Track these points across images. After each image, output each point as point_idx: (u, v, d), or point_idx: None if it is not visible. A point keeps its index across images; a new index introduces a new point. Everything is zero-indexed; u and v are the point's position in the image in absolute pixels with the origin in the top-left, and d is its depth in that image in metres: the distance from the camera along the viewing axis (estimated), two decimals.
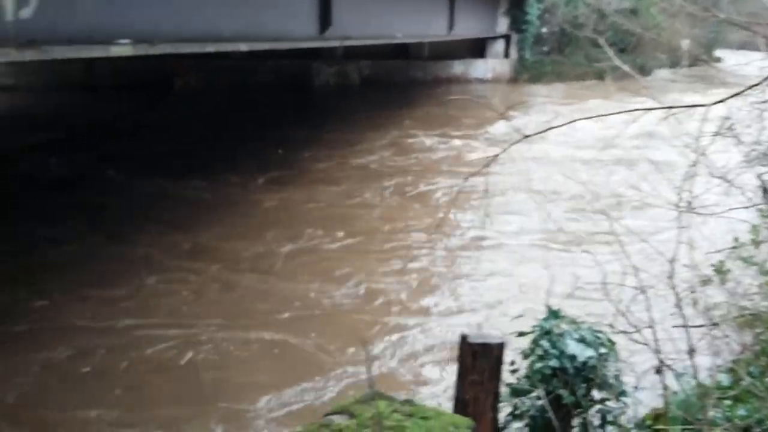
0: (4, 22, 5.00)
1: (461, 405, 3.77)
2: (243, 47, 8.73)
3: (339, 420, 3.20)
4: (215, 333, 7.00)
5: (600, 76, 24.03)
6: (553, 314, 3.79)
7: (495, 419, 3.83)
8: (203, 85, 24.44)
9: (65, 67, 22.52)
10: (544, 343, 3.66)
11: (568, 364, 3.59)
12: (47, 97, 22.46)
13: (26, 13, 5.14)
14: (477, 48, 27.93)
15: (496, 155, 2.83)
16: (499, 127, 16.10)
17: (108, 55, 6.23)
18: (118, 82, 23.43)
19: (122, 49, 6.11)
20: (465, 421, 3.30)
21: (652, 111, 2.96)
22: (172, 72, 24.13)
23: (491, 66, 28.12)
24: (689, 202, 3.21)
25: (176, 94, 24.10)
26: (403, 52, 26.66)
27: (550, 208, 9.63)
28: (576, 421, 3.80)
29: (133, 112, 20.24)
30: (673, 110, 2.96)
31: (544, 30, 29.49)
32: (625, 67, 3.14)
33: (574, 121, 3.08)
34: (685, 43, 29.81)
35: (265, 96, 22.70)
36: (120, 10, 6.29)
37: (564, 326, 3.70)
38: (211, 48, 7.99)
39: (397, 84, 25.56)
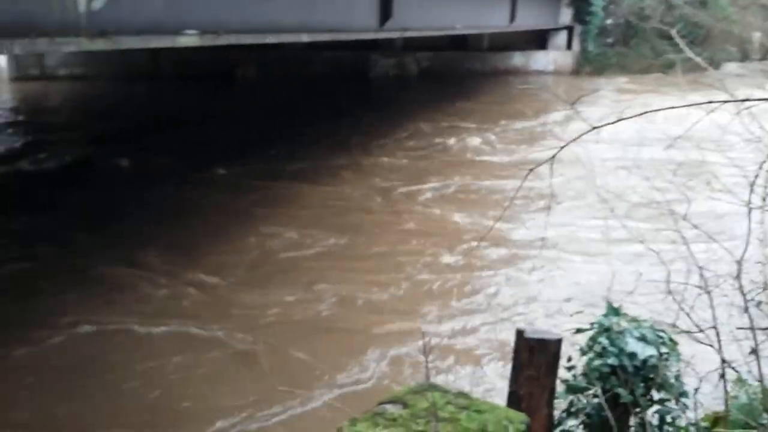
0: (77, 13, 5.17)
1: (515, 400, 3.74)
2: (304, 38, 8.82)
3: (392, 409, 3.21)
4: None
5: (666, 69, 23.31)
6: (613, 311, 3.72)
7: (550, 415, 3.78)
8: (263, 76, 24.83)
9: (132, 58, 23.19)
10: (603, 341, 3.59)
11: (627, 362, 3.52)
12: (117, 87, 23.15)
13: (97, 4, 5.30)
14: (538, 39, 27.49)
15: (562, 147, 2.77)
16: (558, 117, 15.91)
17: (175, 45, 6.37)
18: (181, 73, 24.00)
19: (189, 39, 6.25)
20: (519, 416, 3.26)
21: (725, 104, 2.85)
22: (233, 63, 24.58)
23: (552, 58, 27.65)
24: (764, 199, 3.09)
25: (238, 84, 24.56)
26: (462, 43, 26.47)
27: (611, 203, 9.37)
28: (633, 421, 3.72)
29: (200, 103, 20.67)
30: (747, 104, 2.85)
31: (608, 21, 28.78)
32: (698, 60, 3.03)
33: (646, 113, 2.99)
34: (757, 36, 28.69)
35: (323, 87, 22.93)
36: (186, 1, 6.43)
37: (624, 324, 3.62)
38: (273, 39, 8.10)
39: (455, 76, 25.39)
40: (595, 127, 2.73)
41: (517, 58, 27.54)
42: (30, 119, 19.35)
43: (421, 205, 11.24)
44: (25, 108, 21.16)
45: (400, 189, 12.05)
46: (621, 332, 3.59)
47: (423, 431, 3.00)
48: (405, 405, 3.24)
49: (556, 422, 3.86)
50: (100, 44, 5.28)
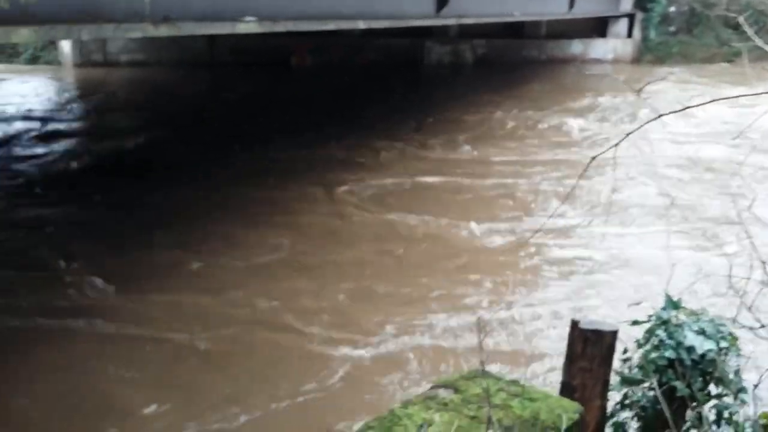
0: (142, 1, 5.32)
1: (568, 390, 3.72)
2: (361, 25, 8.86)
3: (444, 394, 3.24)
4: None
5: (730, 59, 22.53)
6: (672, 304, 3.65)
7: (603, 407, 3.75)
8: (319, 63, 24.98)
9: (190, 45, 23.69)
10: (661, 333, 3.53)
11: (685, 356, 3.46)
12: (175, 73, 23.58)
13: None
14: (597, 27, 26.88)
15: (628, 134, 2.73)
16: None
17: (235, 31, 6.48)
18: (238, 60, 24.36)
19: (248, 26, 6.35)
20: (573, 406, 3.25)
21: None
22: (288, 51, 24.80)
23: (612, 46, 27.00)
24: None
25: (293, 72, 24.79)
26: (518, 30, 26.10)
27: (672, 194, 9.03)
28: (689, 415, 3.66)
29: (269, 89, 20.86)
30: None
31: (671, 9, 27.93)
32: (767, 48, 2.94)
33: (713, 101, 2.92)
34: None
35: (377, 74, 22.94)
36: None
37: (683, 317, 3.56)
38: (331, 26, 8.15)
39: (511, 64, 25.03)
40: (660, 115, 2.68)
41: (576, 46, 27.00)
42: (67, 106, 19.76)
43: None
44: (74, 92, 21.70)
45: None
46: (679, 325, 3.53)
47: (475, 417, 3.02)
48: (456, 390, 3.26)
49: (609, 414, 3.82)
50: (163, 30, 5.41)
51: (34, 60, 26.40)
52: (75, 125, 16.82)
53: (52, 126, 16.26)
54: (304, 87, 21.47)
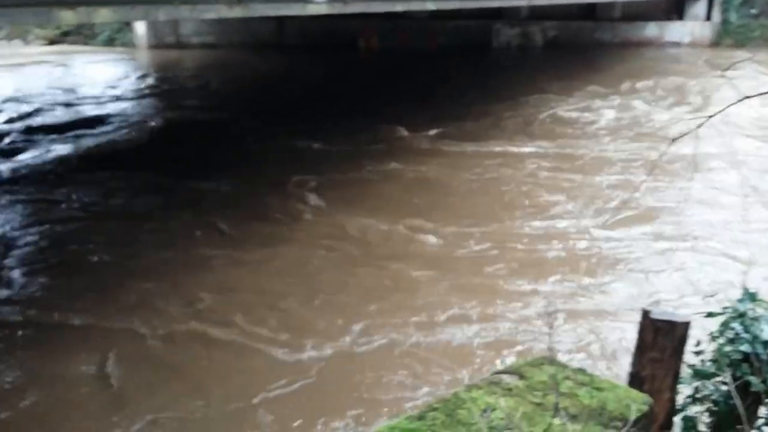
0: None
1: (637, 381, 3.65)
2: (430, 5, 8.81)
3: (508, 380, 3.22)
4: None
5: None
6: (750, 296, 3.53)
7: (672, 399, 3.67)
8: (385, 47, 24.91)
9: (259, 27, 24.00)
10: (736, 326, 3.43)
11: (761, 350, 3.35)
12: (244, 55, 23.86)
13: None
14: (674, 9, 25.94)
15: (710, 117, 2.64)
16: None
17: (304, 13, 6.52)
18: (305, 43, 24.55)
19: (318, 7, 6.38)
20: (642, 397, 3.19)
21: None
22: (356, 33, 24.83)
23: (689, 29, 26.00)
24: None
25: (361, 55, 24.82)
26: (590, 12, 25.43)
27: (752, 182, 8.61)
28: (764, 411, 3.55)
29: (332, 74, 20.84)
30: None
31: None
32: None
33: None
34: None
35: (441, 58, 22.78)
36: None
37: (760, 310, 3.44)
38: (400, 7, 8.12)
39: (582, 47, 24.38)
40: (747, 97, 2.57)
41: (651, 29, 26.11)
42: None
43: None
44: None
45: None
46: (756, 318, 3.42)
47: (540, 404, 2.99)
48: (521, 376, 3.24)
49: (678, 407, 3.73)
50: (237, 11, 5.50)
51: (110, 42, 27.30)
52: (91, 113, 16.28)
53: (65, 112, 16.11)
54: (365, 73, 21.38)
